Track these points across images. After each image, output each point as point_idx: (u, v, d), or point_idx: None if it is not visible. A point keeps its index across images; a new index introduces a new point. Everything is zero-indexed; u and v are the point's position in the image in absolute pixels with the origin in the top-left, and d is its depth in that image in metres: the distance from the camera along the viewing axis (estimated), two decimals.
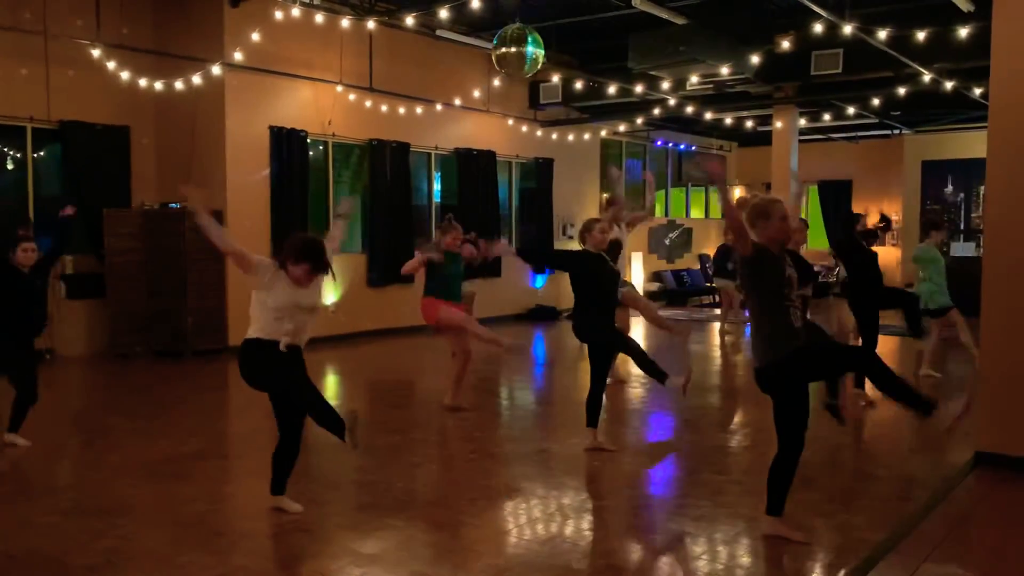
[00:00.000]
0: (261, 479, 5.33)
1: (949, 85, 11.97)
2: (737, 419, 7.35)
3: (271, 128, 10.92)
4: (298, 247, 4.40)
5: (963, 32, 9.67)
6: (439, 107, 12.82)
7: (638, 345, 5.95)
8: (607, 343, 5.90)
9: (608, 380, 6.57)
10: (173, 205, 10.41)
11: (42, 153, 10.52)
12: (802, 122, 15.55)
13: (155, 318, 10.30)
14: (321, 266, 4.44)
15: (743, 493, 5.22)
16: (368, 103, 11.95)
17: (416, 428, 7.04)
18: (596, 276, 5.79)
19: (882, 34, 9.46)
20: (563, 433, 6.72)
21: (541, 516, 4.78)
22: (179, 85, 10.28)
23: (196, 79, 10.18)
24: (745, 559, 4.15)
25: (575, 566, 4.04)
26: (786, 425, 4.19)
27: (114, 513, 4.70)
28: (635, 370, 7.59)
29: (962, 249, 16.92)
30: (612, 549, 4.37)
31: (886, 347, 11.47)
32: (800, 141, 15.17)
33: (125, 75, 10.04)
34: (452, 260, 7.14)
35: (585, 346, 5.97)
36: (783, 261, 4.19)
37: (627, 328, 8.42)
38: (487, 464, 5.84)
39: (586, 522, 4.68)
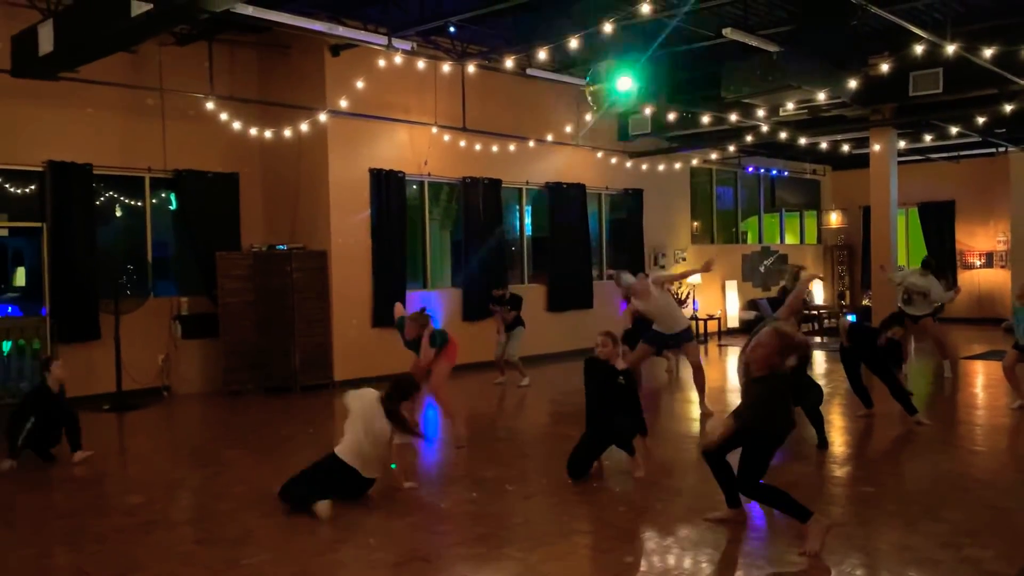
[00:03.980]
0: (377, 511, 5.51)
1: None
2: (842, 450, 7.17)
3: (371, 170, 11.31)
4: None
5: None
6: (531, 144, 13.06)
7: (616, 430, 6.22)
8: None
9: None
10: (280, 247, 10.87)
11: (161, 198, 11.15)
12: (901, 144, 15.15)
13: (265, 356, 10.72)
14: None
15: (858, 524, 5.11)
16: (462, 143, 12.27)
17: (521, 460, 7.13)
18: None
19: (988, 52, 9.20)
20: (669, 466, 6.70)
21: (658, 548, 4.78)
22: (285, 133, 10.79)
23: (301, 126, 10.67)
24: None
25: None
26: None
27: (244, 542, 4.93)
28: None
29: None
30: None
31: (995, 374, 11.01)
32: (899, 162, 14.78)
33: (235, 125, 10.59)
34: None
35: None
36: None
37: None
38: (598, 496, 5.86)
39: (704, 554, 4.65)
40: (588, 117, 13.62)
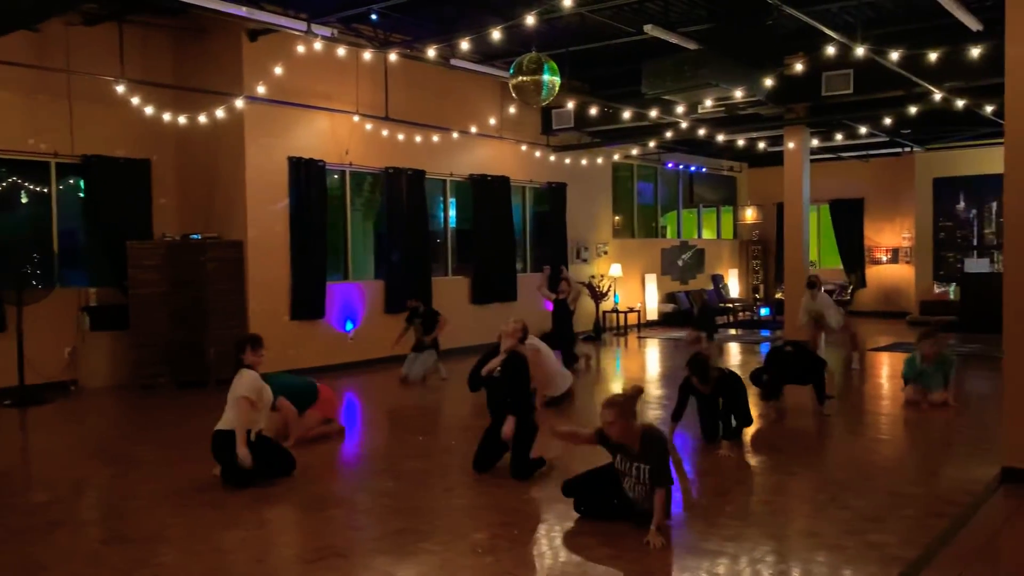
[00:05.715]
0: (294, 506, 5.41)
1: (960, 103, 12.04)
2: (751, 439, 7.37)
3: (290, 159, 11.08)
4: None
5: (975, 52, 9.74)
6: (455, 135, 12.99)
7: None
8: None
9: None
10: (194, 236, 10.55)
11: (68, 184, 10.70)
12: (814, 142, 15.64)
13: (178, 349, 10.40)
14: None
15: (768, 511, 5.27)
16: (384, 132, 12.12)
17: (442, 453, 7.10)
18: None
19: (894, 55, 9.55)
20: (587, 456, 6.77)
21: (574, 539, 4.82)
22: (200, 119, 10.47)
23: (217, 112, 10.37)
24: None
25: None
26: None
27: (153, 541, 4.77)
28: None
29: (976, 266, 16.90)
30: (649, 569, 4.40)
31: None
32: (811, 160, 15.25)
33: (147, 110, 10.22)
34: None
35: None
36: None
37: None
38: (517, 488, 5.87)
39: (621, 544, 4.71)
40: (511, 109, 13.64)
